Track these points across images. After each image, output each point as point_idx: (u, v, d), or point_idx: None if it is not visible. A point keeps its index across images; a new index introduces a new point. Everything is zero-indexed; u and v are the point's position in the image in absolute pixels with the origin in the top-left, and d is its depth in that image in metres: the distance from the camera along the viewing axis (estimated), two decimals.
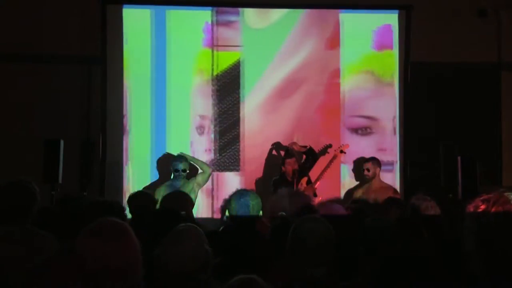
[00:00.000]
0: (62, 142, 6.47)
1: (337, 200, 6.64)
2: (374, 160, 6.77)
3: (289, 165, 6.60)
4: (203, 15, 7.22)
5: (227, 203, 3.81)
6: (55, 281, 1.90)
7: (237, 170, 7.14)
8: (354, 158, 7.17)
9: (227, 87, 7.22)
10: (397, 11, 7.39)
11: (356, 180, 7.17)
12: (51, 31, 7.28)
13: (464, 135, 7.33)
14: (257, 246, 3.36)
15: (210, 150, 7.15)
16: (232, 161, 7.19)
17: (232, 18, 7.26)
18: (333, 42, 7.32)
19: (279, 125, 7.21)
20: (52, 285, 1.90)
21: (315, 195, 6.60)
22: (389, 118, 7.33)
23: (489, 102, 7.74)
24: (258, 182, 7.09)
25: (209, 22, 7.21)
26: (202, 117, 7.16)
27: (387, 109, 7.34)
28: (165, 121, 7.12)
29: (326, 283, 2.51)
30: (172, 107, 7.12)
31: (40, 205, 3.17)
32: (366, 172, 6.71)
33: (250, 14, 7.29)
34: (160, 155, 7.07)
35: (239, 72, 7.21)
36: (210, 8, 7.22)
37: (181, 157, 6.68)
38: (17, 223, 2.93)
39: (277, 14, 7.30)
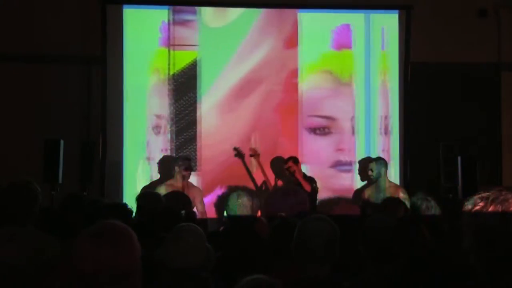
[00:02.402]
0: (62, 142, 6.48)
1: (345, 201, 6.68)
2: (379, 160, 6.67)
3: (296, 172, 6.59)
4: (160, 14, 7.13)
5: (224, 203, 3.80)
6: (57, 282, 1.88)
7: (194, 170, 6.97)
8: (312, 159, 7.11)
9: (184, 86, 7.16)
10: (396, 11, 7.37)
11: (362, 180, 7.14)
12: (51, 31, 7.27)
13: (464, 135, 7.33)
14: (257, 246, 3.36)
15: (166, 149, 7.09)
16: None
17: (189, 17, 7.19)
18: (292, 41, 7.24)
19: (237, 125, 7.13)
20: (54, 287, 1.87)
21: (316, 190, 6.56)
22: (347, 118, 7.25)
23: (489, 102, 7.74)
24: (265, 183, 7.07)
25: (166, 21, 7.12)
26: (159, 116, 7.09)
27: (345, 109, 7.26)
28: (122, 120, 7.06)
29: (330, 282, 2.51)
30: (128, 106, 7.06)
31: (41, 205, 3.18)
32: (370, 173, 6.63)
33: (207, 13, 7.20)
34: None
35: (195, 71, 7.13)
36: (167, 7, 7.13)
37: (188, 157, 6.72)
38: (20, 224, 2.93)
39: (235, 13, 7.22)
